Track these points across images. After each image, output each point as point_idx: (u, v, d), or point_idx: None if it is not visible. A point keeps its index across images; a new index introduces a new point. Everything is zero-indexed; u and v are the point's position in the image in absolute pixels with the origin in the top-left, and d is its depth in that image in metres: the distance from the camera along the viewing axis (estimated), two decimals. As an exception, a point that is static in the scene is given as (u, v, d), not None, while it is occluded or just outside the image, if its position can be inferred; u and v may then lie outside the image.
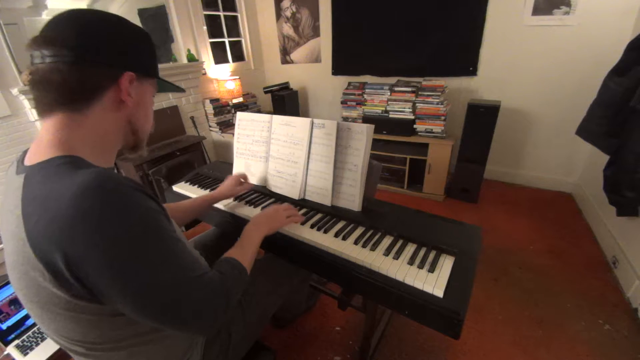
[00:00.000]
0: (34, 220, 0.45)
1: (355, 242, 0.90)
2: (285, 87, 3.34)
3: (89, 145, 0.54)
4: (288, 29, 3.43)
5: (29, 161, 0.53)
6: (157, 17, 2.74)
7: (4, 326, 1.09)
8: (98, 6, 2.35)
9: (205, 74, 3.10)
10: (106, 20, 0.54)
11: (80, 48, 0.50)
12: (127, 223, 0.46)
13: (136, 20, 2.62)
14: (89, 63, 0.51)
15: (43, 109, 0.53)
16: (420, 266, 0.79)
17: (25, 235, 0.46)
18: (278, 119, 1.17)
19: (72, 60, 0.50)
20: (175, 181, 1.42)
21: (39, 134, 0.54)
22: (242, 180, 1.16)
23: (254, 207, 1.12)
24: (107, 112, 0.55)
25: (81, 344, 0.55)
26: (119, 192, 0.46)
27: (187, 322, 0.52)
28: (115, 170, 0.53)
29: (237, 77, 3.22)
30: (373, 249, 0.87)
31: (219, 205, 1.15)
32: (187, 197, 1.27)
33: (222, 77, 3.21)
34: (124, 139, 0.62)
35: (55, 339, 0.58)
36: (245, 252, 0.75)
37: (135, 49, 0.58)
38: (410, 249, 0.87)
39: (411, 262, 0.81)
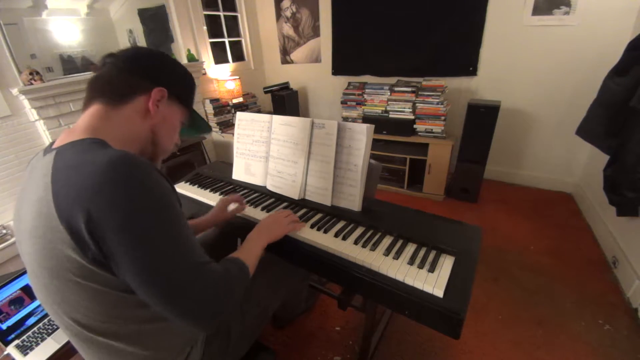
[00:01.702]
0: (62, 185, 0.50)
1: (355, 242, 0.90)
2: (285, 87, 3.34)
3: (113, 137, 0.60)
4: (288, 29, 3.43)
5: (58, 144, 0.59)
6: (157, 17, 2.74)
7: (4, 326, 1.09)
8: (98, 6, 2.34)
9: (205, 74, 3.10)
10: (159, 53, 0.70)
11: (129, 61, 0.65)
12: (147, 196, 0.51)
13: (136, 20, 2.62)
14: (131, 71, 0.64)
15: (87, 101, 0.63)
16: (420, 266, 0.79)
17: (52, 197, 0.50)
18: (278, 119, 1.17)
19: (122, 67, 0.64)
20: (175, 181, 1.42)
21: (74, 124, 0.63)
22: (233, 202, 1.08)
23: (254, 207, 1.12)
24: (135, 114, 0.64)
25: (84, 321, 0.56)
26: (142, 169, 0.52)
27: (186, 306, 0.53)
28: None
29: (237, 77, 3.23)
30: (373, 249, 0.87)
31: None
32: (187, 197, 1.28)
33: (222, 77, 3.21)
34: (143, 145, 0.68)
35: (59, 318, 0.59)
36: (247, 256, 0.75)
37: (174, 76, 0.71)
38: (410, 249, 0.87)
39: (411, 262, 0.81)
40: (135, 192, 0.50)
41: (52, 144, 0.62)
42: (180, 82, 0.72)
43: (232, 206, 1.09)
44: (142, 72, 0.65)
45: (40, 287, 0.58)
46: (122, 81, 0.63)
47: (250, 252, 0.79)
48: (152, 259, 0.50)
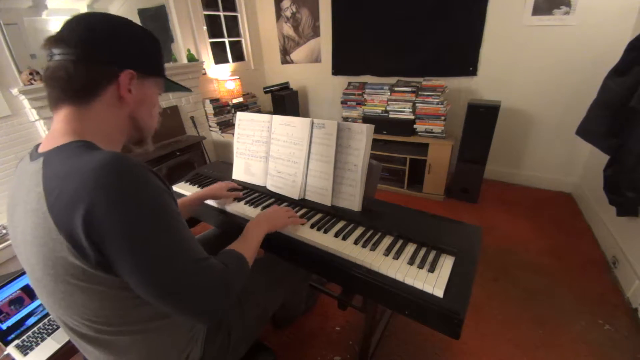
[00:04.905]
0: (56, 194, 0.49)
1: (355, 242, 0.90)
2: (285, 87, 3.35)
3: (96, 136, 0.58)
4: (288, 29, 3.43)
5: (43, 149, 0.56)
6: (157, 17, 2.74)
7: (4, 326, 1.09)
8: (98, 6, 2.35)
9: (205, 74, 3.10)
10: (110, 21, 0.59)
11: (82, 47, 0.55)
12: (140, 197, 0.50)
13: (136, 20, 2.62)
14: (90, 61, 0.56)
15: (53, 103, 0.58)
16: (420, 266, 0.79)
17: (46, 208, 0.49)
18: (278, 119, 1.17)
19: (76, 58, 0.54)
20: (175, 181, 1.42)
21: (51, 126, 0.59)
22: (232, 188, 1.19)
23: (254, 207, 1.12)
24: (109, 107, 0.59)
25: (90, 323, 0.56)
26: (133, 170, 0.51)
27: (187, 303, 0.54)
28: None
29: (237, 77, 3.23)
30: (373, 249, 0.87)
31: (220, 204, 1.15)
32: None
33: (222, 77, 3.21)
34: (127, 134, 0.65)
35: (65, 320, 0.59)
36: (246, 246, 0.76)
37: (137, 49, 0.61)
38: (410, 249, 0.87)
39: (411, 262, 0.81)
40: (129, 195, 0.49)
41: (37, 146, 0.59)
42: (146, 53, 0.63)
43: (228, 193, 1.15)
44: (101, 57, 0.56)
45: (44, 291, 0.57)
46: (82, 75, 0.55)
47: (248, 242, 0.79)
48: (151, 260, 0.50)
